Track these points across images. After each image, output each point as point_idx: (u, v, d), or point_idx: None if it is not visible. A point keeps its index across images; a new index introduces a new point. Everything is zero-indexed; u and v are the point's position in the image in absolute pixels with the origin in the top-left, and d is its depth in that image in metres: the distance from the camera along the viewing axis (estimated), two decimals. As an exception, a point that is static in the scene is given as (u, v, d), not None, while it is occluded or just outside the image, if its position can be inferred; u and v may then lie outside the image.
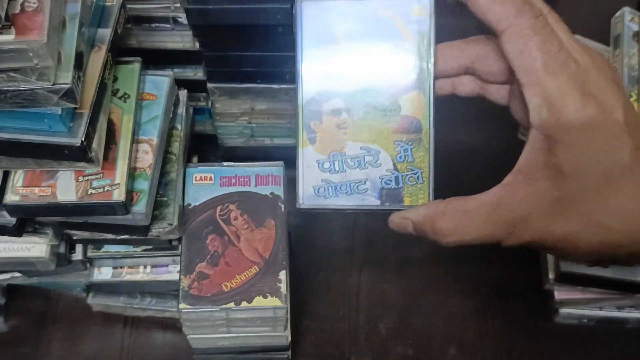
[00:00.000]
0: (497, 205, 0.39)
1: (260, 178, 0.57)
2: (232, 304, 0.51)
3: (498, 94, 0.43)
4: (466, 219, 0.40)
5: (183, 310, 0.52)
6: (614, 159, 0.36)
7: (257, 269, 0.53)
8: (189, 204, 0.56)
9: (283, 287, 0.52)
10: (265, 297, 0.52)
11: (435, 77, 0.44)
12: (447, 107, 0.81)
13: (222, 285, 0.52)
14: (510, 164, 0.76)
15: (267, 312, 0.52)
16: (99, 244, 0.58)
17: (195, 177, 0.57)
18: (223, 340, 0.56)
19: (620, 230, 0.37)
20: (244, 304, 0.51)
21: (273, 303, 0.52)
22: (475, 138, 0.79)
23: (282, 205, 0.56)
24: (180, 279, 0.53)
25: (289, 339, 0.57)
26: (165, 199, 0.56)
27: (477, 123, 0.80)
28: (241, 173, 0.57)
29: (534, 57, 0.36)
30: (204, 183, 0.57)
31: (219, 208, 0.56)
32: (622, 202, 0.36)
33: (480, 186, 0.75)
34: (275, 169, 0.57)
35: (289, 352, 0.60)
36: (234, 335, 0.56)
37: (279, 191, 0.56)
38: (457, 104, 0.81)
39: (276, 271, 0.53)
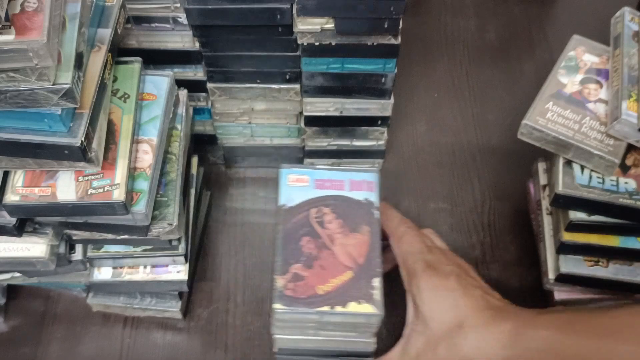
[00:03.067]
0: (401, 354, 0.55)
1: (354, 183, 0.56)
2: (326, 308, 0.50)
3: None
4: None
5: (277, 311, 0.51)
6: (454, 312, 0.52)
7: (352, 274, 0.52)
8: (284, 204, 0.55)
9: (377, 294, 0.51)
10: (359, 302, 0.51)
11: None
12: (447, 110, 0.81)
13: (317, 288, 0.51)
14: (510, 163, 0.76)
15: (361, 319, 0.51)
16: (99, 244, 0.58)
17: (290, 178, 0.56)
18: (309, 342, 0.56)
19: None
20: (338, 308, 0.50)
21: (366, 310, 0.50)
22: (475, 138, 0.79)
23: (376, 212, 0.55)
24: (274, 278, 0.52)
25: (375, 345, 0.57)
26: (165, 199, 0.56)
27: (477, 124, 0.80)
28: (335, 177, 0.56)
29: (402, 248, 0.57)
30: (299, 184, 0.56)
31: (313, 210, 0.55)
32: (469, 342, 0.51)
33: (482, 185, 0.75)
34: (369, 174, 0.56)
35: (372, 359, 0.60)
36: (321, 338, 0.55)
37: (373, 197, 0.55)
38: (455, 107, 0.81)
39: (370, 277, 0.51)
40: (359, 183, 0.56)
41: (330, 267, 0.52)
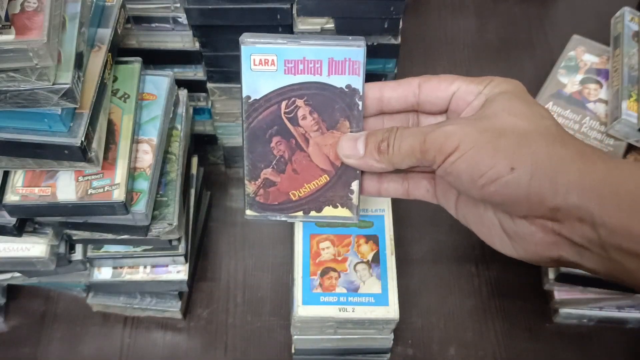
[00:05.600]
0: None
1: (334, 65, 0.44)
2: (300, 213, 0.47)
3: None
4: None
5: (248, 217, 0.47)
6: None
7: (328, 178, 0.46)
8: (248, 97, 0.45)
9: (355, 198, 0.47)
10: (335, 207, 0.47)
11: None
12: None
13: (290, 194, 0.47)
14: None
15: (337, 221, 0.49)
16: (99, 244, 0.58)
17: (254, 61, 0.44)
18: (327, 341, 0.56)
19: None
20: (313, 213, 0.47)
21: (343, 213, 0.47)
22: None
23: (360, 103, 0.45)
24: (244, 184, 0.47)
25: (392, 341, 0.57)
26: (165, 199, 0.56)
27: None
28: (311, 56, 0.44)
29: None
30: (265, 69, 0.44)
31: (284, 104, 0.45)
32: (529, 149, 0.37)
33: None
34: (354, 51, 0.44)
35: (389, 355, 0.60)
36: (339, 337, 0.55)
37: (357, 83, 0.45)
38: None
39: (348, 181, 0.46)
40: (341, 64, 0.45)
41: (304, 171, 0.46)
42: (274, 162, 0.46)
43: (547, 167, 0.36)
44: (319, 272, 0.53)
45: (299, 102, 0.45)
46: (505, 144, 0.37)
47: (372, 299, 0.52)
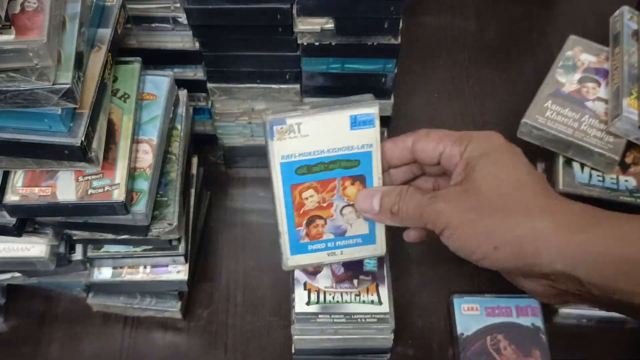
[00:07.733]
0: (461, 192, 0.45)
1: (520, 309, 0.62)
2: None
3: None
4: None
5: None
6: (511, 176, 0.43)
7: None
8: (462, 333, 0.62)
9: None
10: None
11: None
12: (447, 110, 0.81)
13: None
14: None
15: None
16: (99, 244, 0.58)
17: (464, 308, 0.63)
18: (327, 341, 0.57)
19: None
20: None
21: None
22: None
23: (544, 337, 0.61)
24: None
25: (392, 341, 0.57)
26: (165, 199, 0.56)
27: (477, 124, 0.80)
28: (503, 304, 0.63)
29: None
30: (471, 313, 0.63)
31: (488, 338, 0.61)
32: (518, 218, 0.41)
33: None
34: (532, 300, 0.62)
35: (389, 355, 0.61)
36: (340, 337, 0.56)
37: (539, 322, 0.62)
38: (455, 107, 0.82)
39: None
40: (524, 309, 0.63)
41: None
42: None
43: (529, 242, 0.40)
44: (304, 222, 0.51)
45: (499, 337, 0.61)
46: (487, 224, 0.41)
47: (360, 239, 0.52)
